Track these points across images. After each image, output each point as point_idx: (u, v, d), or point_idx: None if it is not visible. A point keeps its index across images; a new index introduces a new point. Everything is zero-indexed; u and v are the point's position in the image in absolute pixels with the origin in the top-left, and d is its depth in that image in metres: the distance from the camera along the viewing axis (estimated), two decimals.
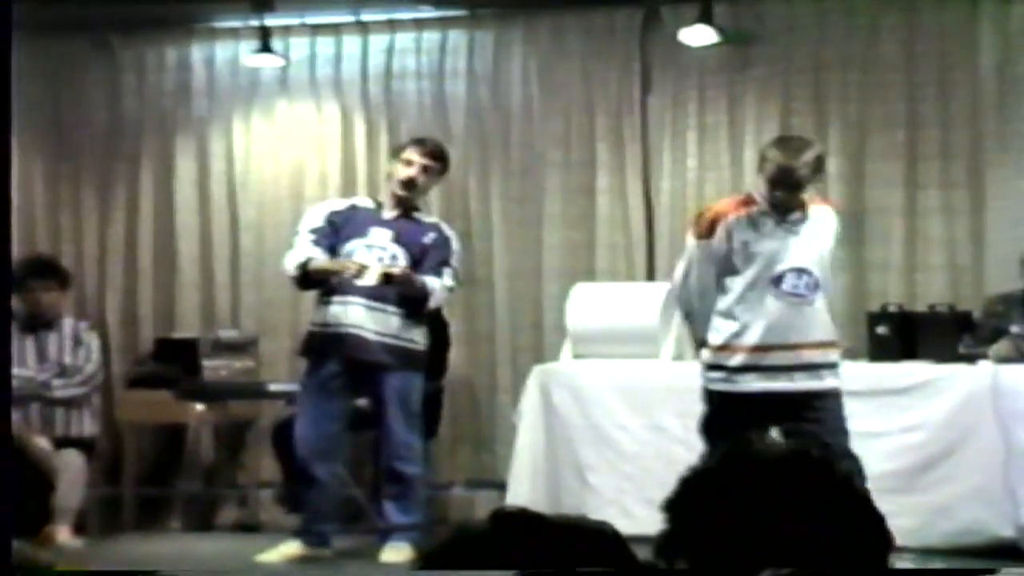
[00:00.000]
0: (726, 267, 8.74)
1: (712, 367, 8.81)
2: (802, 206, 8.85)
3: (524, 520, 2.46)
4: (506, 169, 12.31)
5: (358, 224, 10.21)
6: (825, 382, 8.77)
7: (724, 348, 8.77)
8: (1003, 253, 11.09)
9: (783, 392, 8.69)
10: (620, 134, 12.17)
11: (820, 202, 9.18)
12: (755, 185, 8.95)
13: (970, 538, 9.67)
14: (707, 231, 8.73)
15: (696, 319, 8.95)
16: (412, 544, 9.93)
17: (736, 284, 8.72)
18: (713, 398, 8.84)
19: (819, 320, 8.86)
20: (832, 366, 8.88)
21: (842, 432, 8.54)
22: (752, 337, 8.66)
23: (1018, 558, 9.49)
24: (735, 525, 2.97)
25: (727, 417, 8.63)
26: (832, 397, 8.76)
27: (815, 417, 8.62)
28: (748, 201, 8.88)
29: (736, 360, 8.67)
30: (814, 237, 8.83)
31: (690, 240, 8.92)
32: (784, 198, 8.75)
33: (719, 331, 8.72)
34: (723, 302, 8.74)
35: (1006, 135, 11.39)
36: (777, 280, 8.70)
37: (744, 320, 8.69)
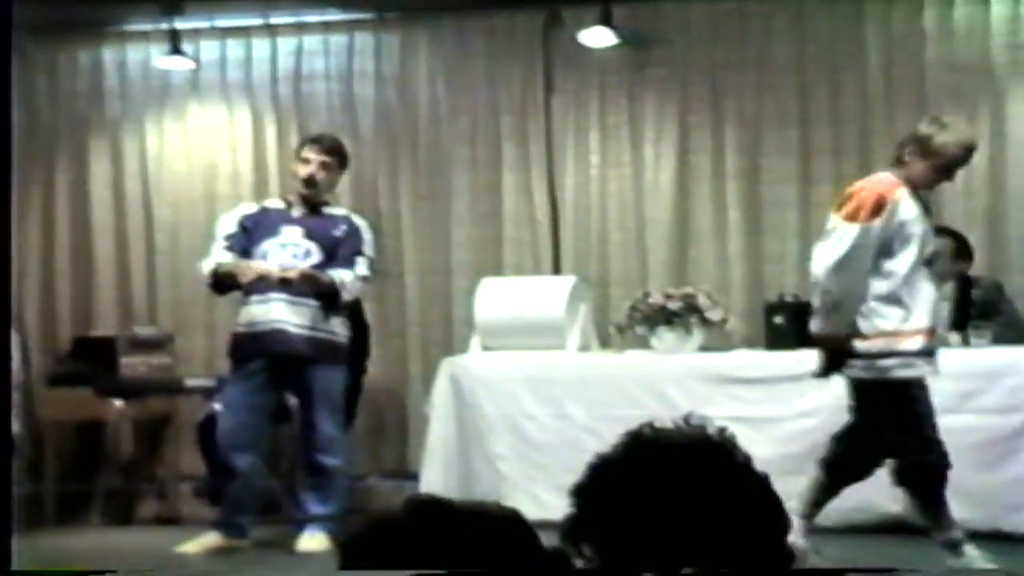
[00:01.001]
0: (885, 250, 8.46)
1: (883, 355, 8.52)
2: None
3: (435, 506, 2.43)
4: (414, 168, 12.35)
5: (270, 224, 10.26)
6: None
7: (896, 334, 8.50)
8: None
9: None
10: (525, 133, 12.23)
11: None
12: (905, 165, 8.57)
13: (861, 516, 9.81)
14: (872, 214, 8.39)
15: (849, 306, 8.51)
16: (328, 533, 9.97)
17: (897, 267, 8.45)
18: (893, 386, 8.55)
19: None
20: None
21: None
22: (921, 320, 8.45)
23: (904, 532, 9.60)
24: (638, 510, 2.96)
25: (915, 403, 8.50)
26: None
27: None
28: (896, 183, 8.58)
29: (912, 344, 8.45)
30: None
31: (847, 224, 8.45)
32: (948, 178, 8.74)
33: (886, 317, 8.45)
34: (884, 286, 8.46)
35: (893, 132, 11.11)
36: (929, 262, 8.63)
37: (909, 303, 8.44)
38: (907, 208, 8.47)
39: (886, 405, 8.49)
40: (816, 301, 8.62)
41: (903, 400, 8.49)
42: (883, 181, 8.59)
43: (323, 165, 10.31)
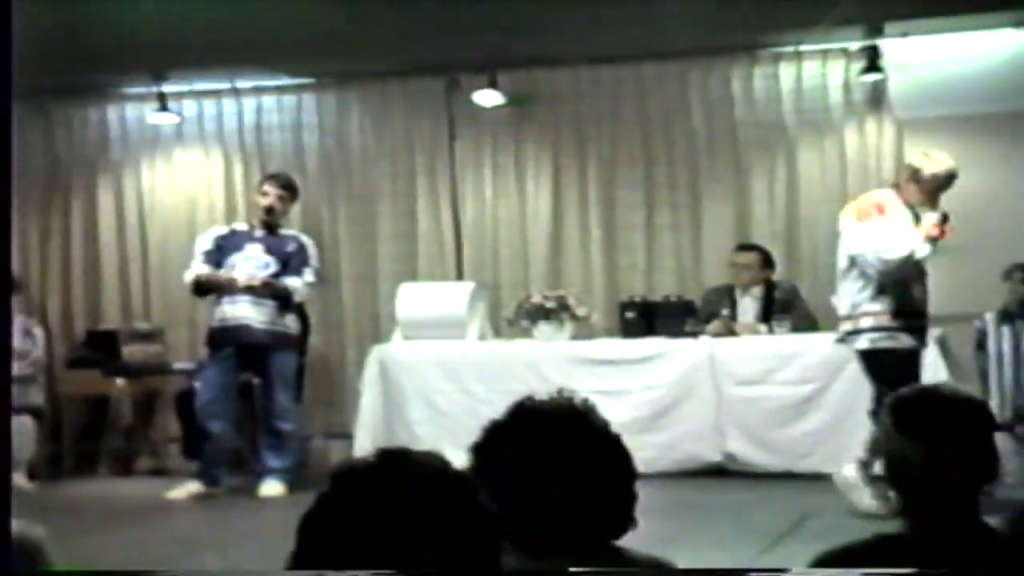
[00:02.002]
0: None
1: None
2: None
3: (400, 456, 2.26)
4: (349, 197, 12.26)
5: (237, 242, 10.35)
6: None
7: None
8: (715, 257, 11.33)
9: None
10: (434, 171, 12.14)
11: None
12: (900, 188, 8.57)
13: (690, 464, 9.96)
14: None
15: None
16: (283, 482, 10.08)
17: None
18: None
19: None
20: None
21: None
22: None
23: (723, 475, 9.90)
24: (522, 462, 3.01)
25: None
26: None
27: None
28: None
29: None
30: None
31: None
32: (935, 198, 8.51)
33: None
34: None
35: (714, 171, 11.54)
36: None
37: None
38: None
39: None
40: None
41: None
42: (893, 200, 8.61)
43: (279, 197, 10.42)
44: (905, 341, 8.55)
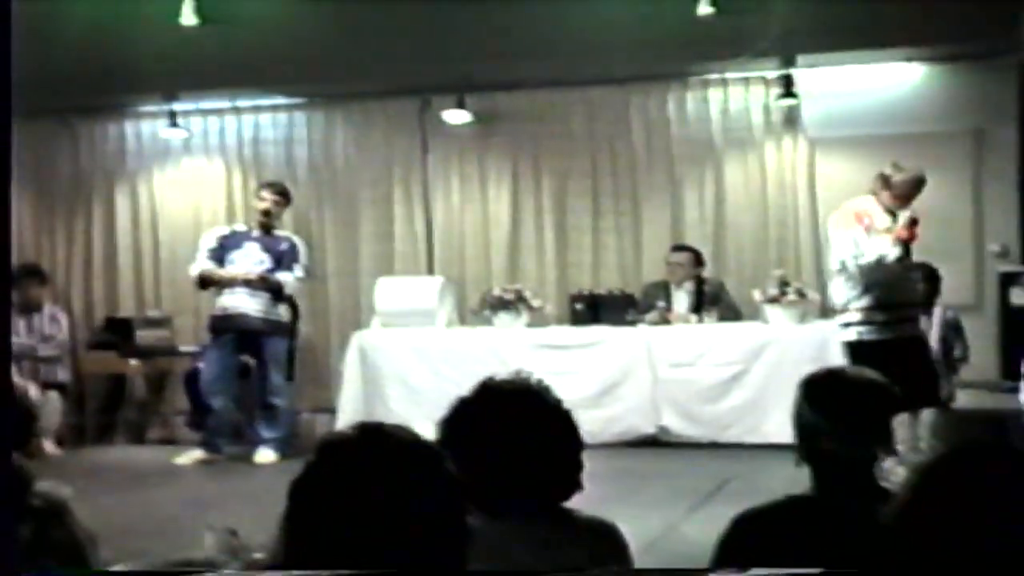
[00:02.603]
0: None
1: None
2: None
3: (377, 429, 2.25)
4: (334, 203, 12.20)
5: (237, 241, 10.32)
6: None
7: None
8: (653, 256, 11.36)
9: None
10: (408, 179, 12.10)
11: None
12: (876, 195, 8.60)
13: (629, 435, 9.92)
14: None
15: None
16: (276, 450, 10.06)
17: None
18: None
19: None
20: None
21: None
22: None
23: (658, 445, 9.90)
24: (485, 433, 3.07)
25: None
26: None
27: None
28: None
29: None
30: None
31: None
32: (906, 204, 8.59)
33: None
34: None
35: (652, 182, 11.56)
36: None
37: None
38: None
39: None
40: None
41: None
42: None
43: (275, 202, 10.41)
44: (886, 333, 8.60)
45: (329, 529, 2.14)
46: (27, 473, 3.04)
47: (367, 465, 2.18)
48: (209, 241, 10.44)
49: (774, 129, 11.37)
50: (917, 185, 8.62)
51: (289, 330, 10.62)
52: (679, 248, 11.03)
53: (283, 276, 10.26)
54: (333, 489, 2.16)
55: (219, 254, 10.31)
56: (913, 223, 8.56)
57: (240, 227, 10.62)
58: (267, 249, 10.29)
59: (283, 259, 10.31)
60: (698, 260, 10.93)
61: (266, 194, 10.46)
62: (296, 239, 10.55)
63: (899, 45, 10.64)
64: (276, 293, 10.28)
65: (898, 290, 8.75)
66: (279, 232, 10.50)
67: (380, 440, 2.24)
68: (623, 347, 10.22)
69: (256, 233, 10.37)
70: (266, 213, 10.38)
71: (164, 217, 12.66)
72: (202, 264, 10.32)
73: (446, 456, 2.28)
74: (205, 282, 10.37)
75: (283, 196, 10.53)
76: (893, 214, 8.58)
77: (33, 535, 3.77)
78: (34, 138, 12.68)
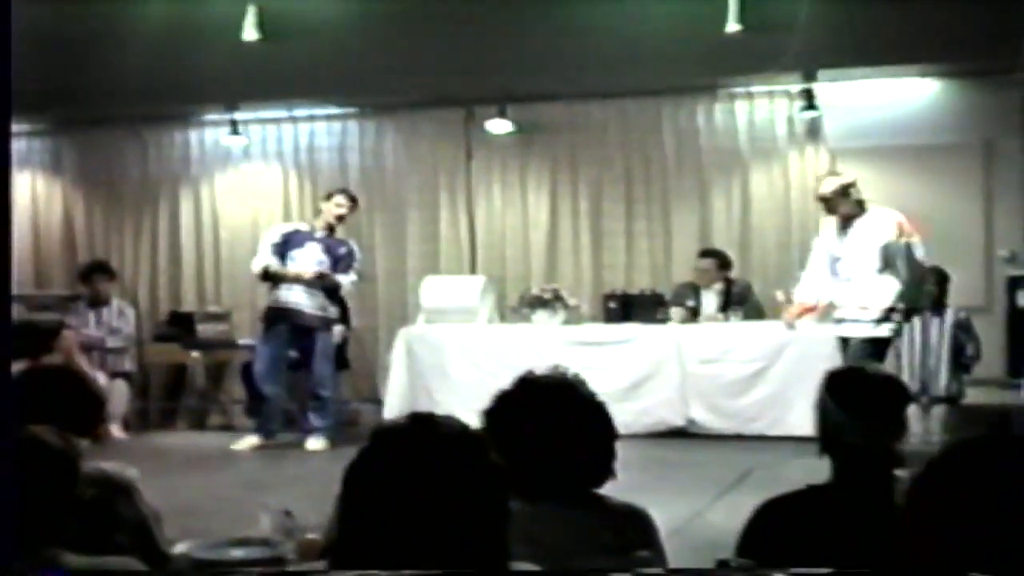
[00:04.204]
0: None
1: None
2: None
3: (427, 419, 2.26)
4: (384, 206, 12.19)
5: (299, 240, 10.21)
6: None
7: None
8: (683, 258, 11.33)
9: None
10: (453, 185, 12.11)
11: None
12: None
13: (659, 427, 9.89)
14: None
15: None
16: (326, 438, 10.02)
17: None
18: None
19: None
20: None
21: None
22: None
23: (686, 436, 9.86)
24: (525, 425, 3.08)
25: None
26: None
27: None
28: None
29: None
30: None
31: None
32: (830, 212, 8.76)
33: None
34: None
35: (683, 188, 11.54)
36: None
37: None
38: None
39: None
40: None
41: None
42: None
43: (349, 208, 10.34)
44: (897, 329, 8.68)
45: (381, 511, 2.15)
46: (74, 452, 3.04)
47: (418, 452, 2.20)
48: (273, 236, 10.35)
49: (797, 139, 11.34)
50: (820, 198, 8.86)
51: (338, 325, 10.58)
52: (706, 254, 10.99)
53: (342, 278, 10.23)
54: (386, 474, 2.17)
55: (281, 250, 10.21)
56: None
57: (303, 226, 10.51)
58: (327, 251, 10.22)
59: (340, 262, 10.24)
60: (724, 263, 10.90)
61: (342, 200, 10.34)
62: (353, 244, 10.46)
63: (914, 61, 10.64)
64: (331, 292, 10.23)
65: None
66: (339, 236, 10.44)
67: (430, 429, 2.25)
68: (654, 344, 10.19)
69: (319, 234, 10.28)
70: (340, 218, 10.31)
71: (224, 218, 12.71)
72: (266, 259, 10.21)
73: (489, 444, 2.29)
74: (269, 276, 10.27)
75: (355, 203, 10.45)
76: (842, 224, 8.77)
77: (103, 512, 3.81)
78: (106, 145, 12.83)
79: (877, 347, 8.50)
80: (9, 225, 2.74)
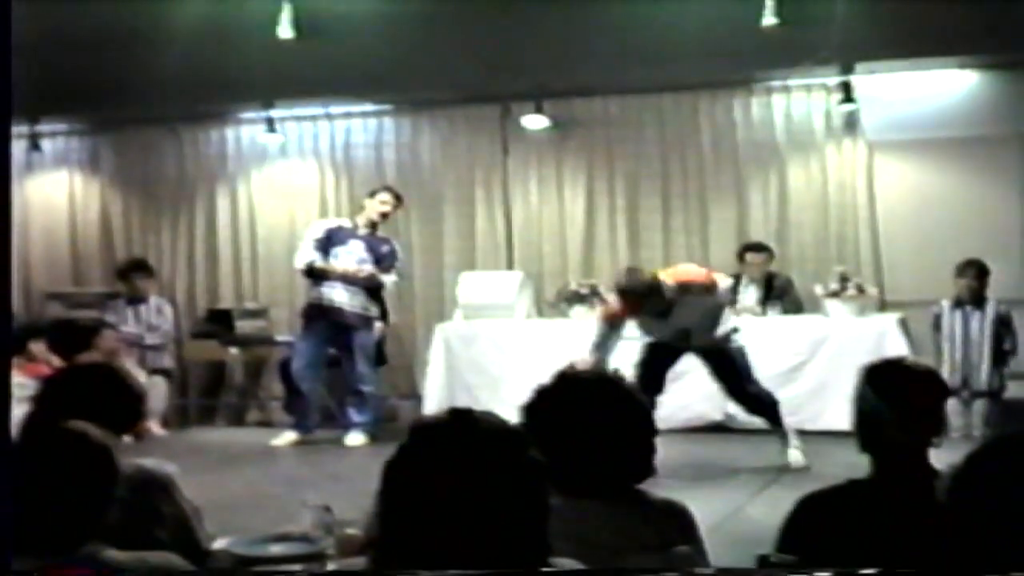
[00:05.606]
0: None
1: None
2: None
3: (467, 414, 2.27)
4: (420, 202, 12.15)
5: (342, 236, 10.19)
6: None
7: None
8: (720, 252, 11.29)
9: None
10: (490, 181, 12.10)
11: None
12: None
13: (698, 422, 9.87)
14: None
15: None
16: (365, 434, 10.05)
17: None
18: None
19: None
20: None
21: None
22: None
23: (724, 431, 9.84)
24: (566, 419, 3.07)
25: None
26: None
27: None
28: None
29: None
30: None
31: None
32: None
33: None
34: None
35: (719, 183, 11.51)
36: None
37: None
38: None
39: None
40: None
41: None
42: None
43: (394, 206, 10.35)
44: None
45: (421, 506, 2.15)
46: (109, 448, 3.04)
47: (458, 447, 2.20)
48: (316, 231, 10.32)
49: (834, 133, 11.29)
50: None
51: (378, 321, 10.58)
52: (757, 248, 10.97)
53: (386, 278, 10.23)
54: (426, 469, 2.17)
55: (324, 246, 10.18)
56: None
57: (346, 223, 10.47)
58: (370, 249, 10.20)
59: (383, 260, 10.23)
60: (772, 257, 10.94)
61: (387, 197, 10.33)
62: (395, 243, 10.47)
63: (952, 53, 10.58)
64: (373, 291, 10.22)
65: None
66: (381, 234, 10.41)
67: (470, 424, 2.25)
68: None
69: (363, 232, 10.26)
70: (384, 215, 10.30)
71: (261, 216, 12.73)
72: (309, 254, 10.18)
73: (529, 440, 2.29)
74: (312, 273, 10.21)
75: (399, 200, 10.45)
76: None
77: (143, 508, 3.83)
78: (143, 143, 12.89)
79: None
80: (9, 225, 2.74)
